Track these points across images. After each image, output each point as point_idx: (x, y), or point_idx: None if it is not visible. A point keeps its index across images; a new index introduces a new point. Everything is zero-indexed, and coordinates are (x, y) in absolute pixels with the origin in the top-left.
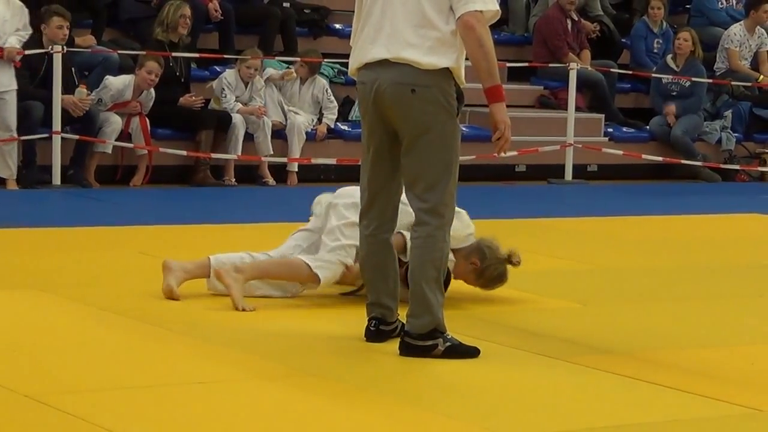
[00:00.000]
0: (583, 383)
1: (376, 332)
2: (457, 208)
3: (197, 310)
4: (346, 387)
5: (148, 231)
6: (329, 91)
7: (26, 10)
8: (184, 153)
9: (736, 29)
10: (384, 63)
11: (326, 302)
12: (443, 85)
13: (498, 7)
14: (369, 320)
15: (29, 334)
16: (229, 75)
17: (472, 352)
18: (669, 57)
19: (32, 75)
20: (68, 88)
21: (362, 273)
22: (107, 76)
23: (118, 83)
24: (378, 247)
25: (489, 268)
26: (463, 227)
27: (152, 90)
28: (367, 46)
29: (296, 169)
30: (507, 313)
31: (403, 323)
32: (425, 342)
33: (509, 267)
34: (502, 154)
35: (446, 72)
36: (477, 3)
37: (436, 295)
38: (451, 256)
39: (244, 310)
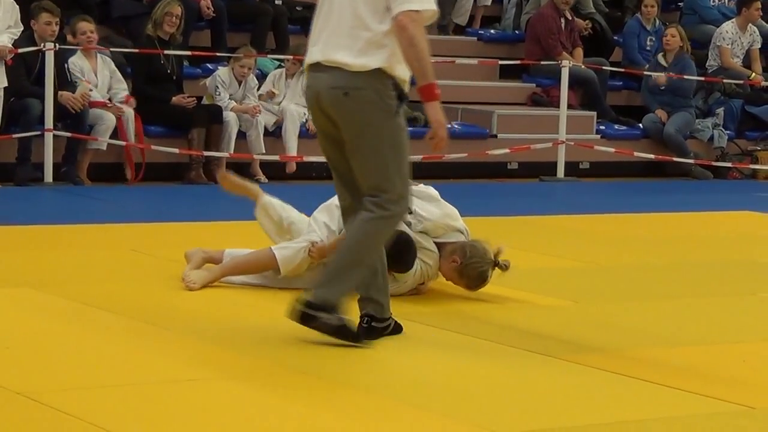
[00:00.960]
0: (576, 381)
1: (369, 329)
2: (444, 202)
3: (190, 308)
4: (335, 386)
5: (140, 229)
6: None
7: (17, 7)
8: (176, 151)
9: (728, 27)
10: (319, 66)
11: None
12: (377, 86)
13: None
14: (361, 317)
15: (21, 331)
16: (222, 73)
17: (357, 337)
18: (660, 54)
19: (28, 72)
20: (62, 85)
21: None
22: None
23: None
24: None
25: (469, 266)
26: (445, 217)
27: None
28: (311, 49)
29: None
30: (499, 311)
31: (395, 322)
32: (319, 313)
33: (498, 271)
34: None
35: (380, 72)
36: (413, 3)
37: (354, 279)
38: (431, 247)
39: (187, 284)
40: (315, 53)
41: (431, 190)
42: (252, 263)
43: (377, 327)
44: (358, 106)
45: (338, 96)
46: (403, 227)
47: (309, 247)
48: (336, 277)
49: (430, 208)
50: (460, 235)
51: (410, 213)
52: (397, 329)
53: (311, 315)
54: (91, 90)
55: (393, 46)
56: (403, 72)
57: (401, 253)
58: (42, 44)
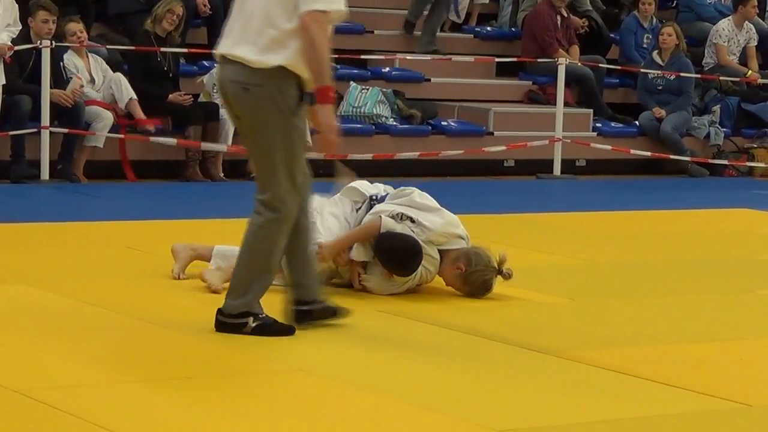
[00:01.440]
0: (572, 378)
1: (299, 313)
2: (444, 210)
3: (186, 305)
4: (333, 383)
5: (137, 226)
6: None
7: (17, 6)
8: (174, 142)
9: (725, 24)
10: (225, 59)
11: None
12: (277, 84)
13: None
14: (291, 302)
15: (17, 329)
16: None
17: (285, 331)
18: (655, 52)
19: (21, 69)
20: (57, 83)
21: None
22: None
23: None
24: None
25: (474, 274)
26: (447, 225)
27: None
28: (222, 40)
29: None
30: (495, 308)
31: (327, 306)
32: (235, 320)
33: (499, 279)
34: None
35: (281, 70)
36: (319, 2)
37: (260, 282)
38: (435, 254)
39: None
40: (223, 45)
41: (430, 201)
42: None
43: (304, 310)
44: (256, 103)
45: (238, 90)
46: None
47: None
48: (242, 286)
49: (432, 218)
50: (462, 242)
51: (413, 222)
52: (331, 313)
53: (232, 324)
54: (82, 86)
55: (299, 45)
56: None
57: (408, 258)
58: (38, 42)
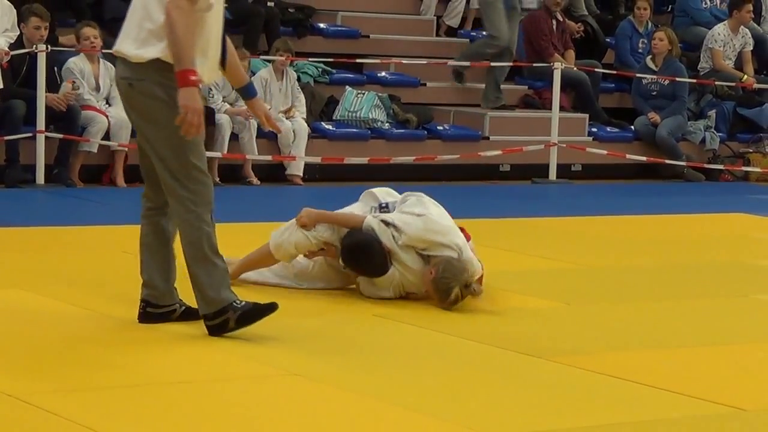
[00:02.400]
0: (566, 383)
1: (144, 314)
2: (432, 218)
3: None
4: (326, 388)
5: (131, 230)
6: (297, 84)
7: (14, 11)
8: None
9: (720, 29)
10: (114, 56)
11: (325, 302)
12: (158, 77)
13: None
14: (140, 301)
15: (11, 333)
16: None
17: (268, 308)
18: (648, 58)
19: (14, 75)
20: (51, 87)
21: (139, 252)
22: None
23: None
24: (151, 228)
25: (441, 280)
26: (426, 231)
27: None
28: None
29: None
30: (490, 313)
31: (186, 307)
32: (215, 321)
33: (468, 296)
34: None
35: (159, 63)
36: None
37: (207, 273)
38: (411, 261)
39: None
40: (115, 43)
41: (421, 207)
42: (255, 258)
43: (153, 313)
44: (142, 98)
45: (125, 86)
46: (384, 237)
47: (297, 224)
48: (201, 285)
49: (411, 220)
50: (449, 251)
51: (395, 228)
52: (186, 315)
53: (217, 325)
54: (77, 89)
55: None
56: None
57: (359, 254)
58: (33, 46)
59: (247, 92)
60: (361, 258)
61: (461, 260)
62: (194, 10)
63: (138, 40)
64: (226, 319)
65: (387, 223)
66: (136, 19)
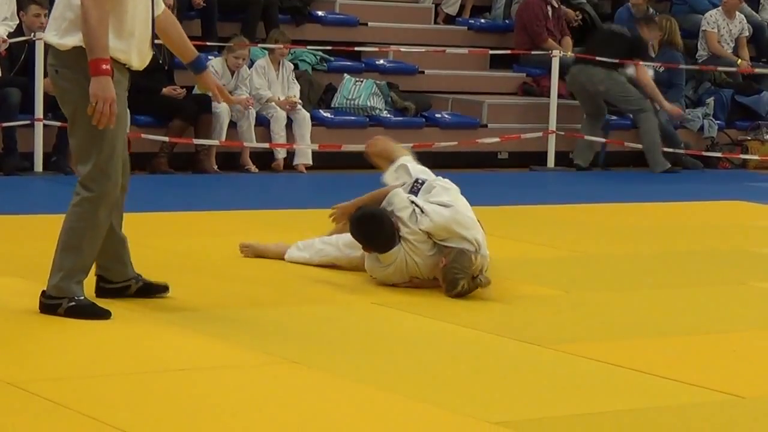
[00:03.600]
0: (566, 370)
1: (98, 288)
2: (459, 209)
3: (179, 297)
4: (325, 376)
5: (128, 218)
6: (293, 74)
7: (14, 0)
8: (166, 139)
9: (714, 12)
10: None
11: (324, 289)
12: (80, 65)
13: None
14: (96, 276)
15: (10, 321)
16: (215, 63)
17: (99, 314)
18: (649, 44)
19: (12, 62)
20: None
21: None
22: None
23: None
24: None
25: (449, 269)
26: (451, 222)
27: None
28: None
29: (284, 155)
30: (489, 300)
31: (143, 283)
32: (51, 301)
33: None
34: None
35: (80, 51)
36: None
37: (70, 261)
38: (424, 246)
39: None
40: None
41: (447, 196)
42: (271, 252)
43: (105, 287)
44: (64, 85)
45: (52, 73)
46: (405, 213)
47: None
48: (56, 266)
49: (440, 210)
50: (466, 243)
51: (422, 212)
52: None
53: (49, 305)
54: None
55: None
56: (112, 52)
57: (368, 225)
58: (32, 34)
59: (196, 66)
60: (368, 229)
61: (476, 254)
62: None
63: (61, 29)
64: (59, 303)
65: (414, 204)
66: (59, 9)
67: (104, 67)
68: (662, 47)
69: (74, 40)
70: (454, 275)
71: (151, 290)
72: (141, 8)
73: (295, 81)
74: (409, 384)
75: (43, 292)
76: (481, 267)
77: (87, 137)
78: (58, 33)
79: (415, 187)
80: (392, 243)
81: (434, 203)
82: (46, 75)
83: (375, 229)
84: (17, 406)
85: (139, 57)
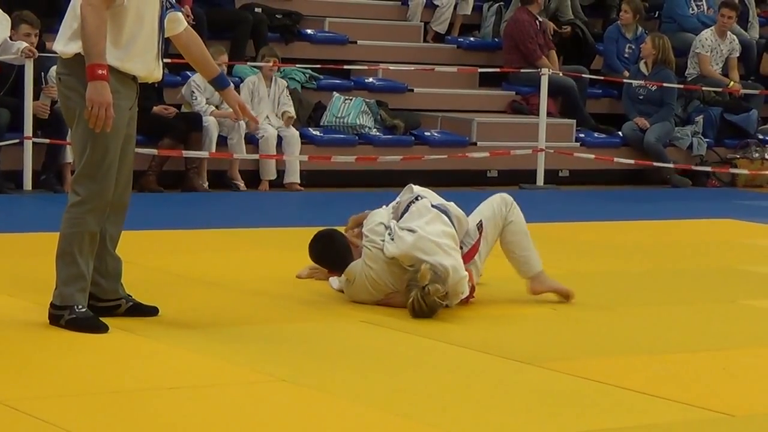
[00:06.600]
0: (555, 389)
1: (87, 305)
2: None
3: (169, 316)
4: (315, 394)
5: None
6: (286, 91)
7: (9, 21)
8: (155, 152)
9: (707, 35)
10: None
11: (312, 307)
12: (81, 72)
13: None
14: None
15: None
16: (197, 78)
17: (97, 327)
18: (642, 62)
19: (1, 82)
20: (36, 93)
21: None
22: None
23: None
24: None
25: (408, 283)
26: (414, 250)
27: None
28: None
29: (272, 177)
30: (478, 319)
31: (133, 303)
32: (55, 311)
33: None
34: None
35: (81, 58)
36: None
37: (66, 269)
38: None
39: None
40: None
41: (417, 220)
42: None
43: (95, 306)
44: (66, 92)
45: (57, 82)
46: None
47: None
48: (58, 277)
49: (404, 235)
50: (438, 252)
51: (389, 234)
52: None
53: (53, 315)
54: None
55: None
56: (109, 59)
57: (314, 241)
58: (20, 54)
59: (219, 83)
60: (317, 248)
61: (427, 268)
62: (107, 6)
63: (66, 37)
64: (61, 315)
65: (386, 227)
66: (68, 20)
67: (100, 72)
68: (656, 65)
69: (76, 47)
70: (408, 289)
71: (141, 312)
72: (147, 19)
73: (289, 97)
74: (398, 401)
75: (52, 303)
76: (446, 291)
77: (81, 141)
78: (64, 41)
79: (414, 202)
80: (344, 260)
81: (404, 228)
82: (36, 96)
83: (323, 248)
84: (6, 424)
85: (143, 66)
